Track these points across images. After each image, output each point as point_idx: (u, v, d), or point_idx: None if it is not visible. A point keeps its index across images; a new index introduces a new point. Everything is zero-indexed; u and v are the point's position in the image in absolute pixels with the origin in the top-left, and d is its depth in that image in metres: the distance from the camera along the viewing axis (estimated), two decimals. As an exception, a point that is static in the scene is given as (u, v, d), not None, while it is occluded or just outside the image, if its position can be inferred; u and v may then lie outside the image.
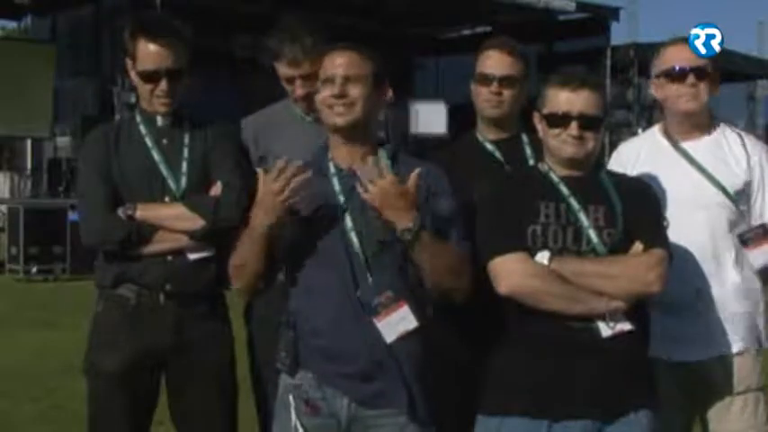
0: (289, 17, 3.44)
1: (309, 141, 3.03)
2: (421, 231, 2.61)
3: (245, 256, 2.74)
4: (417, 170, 2.63)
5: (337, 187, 2.73)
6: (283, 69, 3.38)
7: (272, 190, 2.62)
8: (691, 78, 3.07)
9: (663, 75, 3.12)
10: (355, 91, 2.70)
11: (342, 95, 2.69)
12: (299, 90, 3.36)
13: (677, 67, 3.08)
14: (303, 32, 3.35)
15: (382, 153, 2.77)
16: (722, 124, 3.21)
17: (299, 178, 2.61)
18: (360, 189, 2.62)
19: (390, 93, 2.83)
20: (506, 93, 3.20)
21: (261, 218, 2.67)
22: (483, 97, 3.23)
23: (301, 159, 2.87)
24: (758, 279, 3.18)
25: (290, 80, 3.39)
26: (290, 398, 2.72)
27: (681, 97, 3.09)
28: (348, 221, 2.69)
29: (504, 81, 3.19)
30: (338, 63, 2.73)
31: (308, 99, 3.21)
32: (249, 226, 2.72)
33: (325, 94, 2.73)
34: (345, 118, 2.71)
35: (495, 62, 3.22)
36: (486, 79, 3.21)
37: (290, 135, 3.36)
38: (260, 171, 2.70)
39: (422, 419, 2.71)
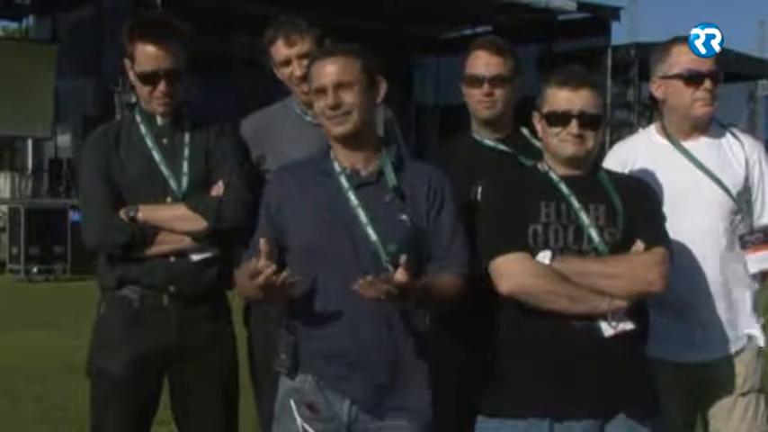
0: (285, 16, 3.45)
1: (309, 141, 3.02)
2: (421, 290, 2.54)
3: (248, 293, 2.67)
4: (404, 257, 2.47)
5: (346, 185, 2.70)
6: (279, 51, 3.37)
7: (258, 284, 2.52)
8: (707, 83, 3.06)
9: (675, 77, 3.08)
10: (349, 97, 2.67)
11: (336, 106, 2.67)
12: (298, 70, 3.32)
13: (694, 72, 3.05)
14: (298, 19, 3.37)
15: (386, 157, 2.75)
16: (718, 123, 3.21)
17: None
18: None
19: (385, 85, 2.77)
20: (498, 92, 3.19)
21: (246, 290, 2.62)
22: (475, 99, 3.21)
23: (301, 158, 2.87)
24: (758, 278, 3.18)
25: (287, 62, 3.37)
26: (291, 401, 2.70)
27: (697, 101, 3.07)
28: (363, 217, 2.66)
29: (495, 81, 3.18)
30: (328, 71, 2.68)
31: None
32: (239, 286, 2.69)
33: (320, 104, 2.70)
34: (344, 127, 2.68)
35: (484, 63, 3.21)
36: (476, 80, 3.20)
37: (290, 135, 3.35)
38: (260, 257, 2.53)
39: (424, 422, 2.70)
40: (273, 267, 2.48)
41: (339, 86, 2.67)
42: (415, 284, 2.48)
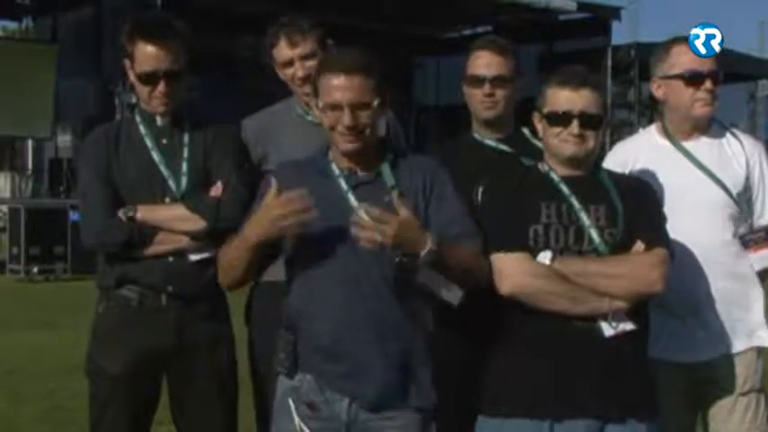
0: (287, 16, 3.44)
1: (311, 141, 3.02)
2: (440, 246, 2.55)
3: (234, 262, 2.71)
4: (395, 193, 2.54)
5: (345, 187, 2.70)
6: (281, 53, 3.36)
7: (275, 214, 2.55)
8: (708, 83, 3.06)
9: (675, 77, 3.08)
10: (364, 118, 2.64)
11: (353, 127, 2.63)
12: (300, 71, 3.31)
13: (694, 72, 3.06)
14: (300, 19, 3.36)
15: (385, 165, 2.73)
16: (719, 123, 3.21)
17: (303, 210, 2.53)
18: (362, 238, 2.50)
19: (388, 94, 2.75)
20: (499, 93, 3.19)
21: (255, 230, 2.61)
22: (477, 99, 3.22)
23: (301, 157, 2.87)
24: (758, 278, 3.18)
25: (290, 63, 3.35)
26: (290, 401, 2.70)
27: (697, 101, 3.07)
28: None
29: (496, 81, 3.18)
30: (346, 90, 2.62)
31: (310, 81, 3.12)
32: (243, 234, 2.66)
33: (330, 117, 2.65)
34: (355, 145, 2.66)
35: (485, 63, 3.21)
36: (477, 81, 3.20)
37: (292, 135, 3.35)
38: (272, 189, 2.59)
39: (423, 421, 2.70)
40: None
41: (355, 107, 2.63)
42: (415, 221, 2.50)
